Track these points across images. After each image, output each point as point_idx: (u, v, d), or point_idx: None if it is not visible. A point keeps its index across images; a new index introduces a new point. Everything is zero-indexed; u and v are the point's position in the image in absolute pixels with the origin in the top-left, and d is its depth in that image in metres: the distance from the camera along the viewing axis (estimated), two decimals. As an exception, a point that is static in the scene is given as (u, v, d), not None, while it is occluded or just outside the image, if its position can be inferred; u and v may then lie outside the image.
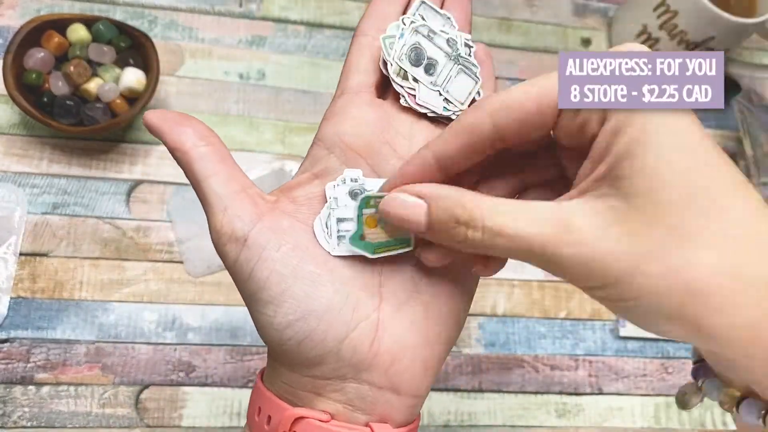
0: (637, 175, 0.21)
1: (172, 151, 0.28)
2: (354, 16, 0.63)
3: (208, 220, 0.27)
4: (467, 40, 0.32)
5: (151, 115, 0.27)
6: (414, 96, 0.30)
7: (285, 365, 0.27)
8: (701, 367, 0.27)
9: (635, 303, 0.21)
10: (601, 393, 0.55)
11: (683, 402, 0.28)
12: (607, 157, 0.22)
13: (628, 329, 0.57)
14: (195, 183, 0.27)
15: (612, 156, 0.22)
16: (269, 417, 0.27)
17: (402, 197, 0.25)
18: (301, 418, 0.26)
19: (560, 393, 0.55)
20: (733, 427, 0.56)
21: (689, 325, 0.21)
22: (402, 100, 0.30)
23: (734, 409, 0.25)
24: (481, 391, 0.54)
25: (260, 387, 0.28)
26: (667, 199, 0.21)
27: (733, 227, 0.21)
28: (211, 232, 0.27)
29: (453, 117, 0.31)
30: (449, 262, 0.27)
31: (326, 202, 0.28)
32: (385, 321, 0.27)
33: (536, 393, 0.55)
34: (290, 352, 0.26)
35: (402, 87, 0.30)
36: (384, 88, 0.31)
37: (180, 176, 0.55)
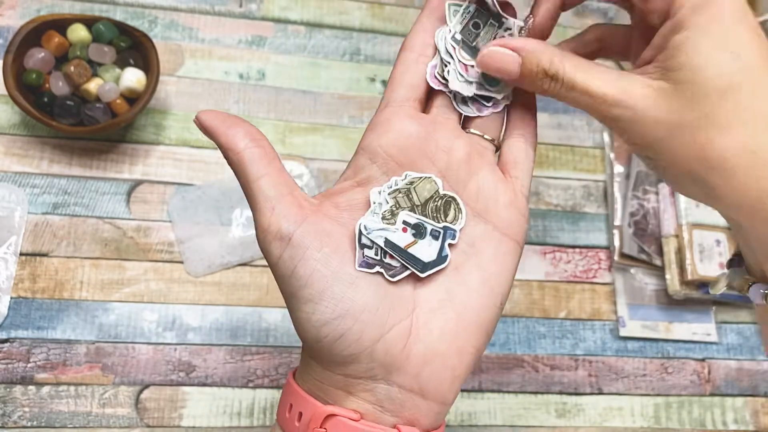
0: (685, 68, 0.26)
1: (225, 151, 0.29)
2: (354, 16, 0.63)
3: (255, 218, 0.28)
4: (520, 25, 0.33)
5: (205, 115, 0.29)
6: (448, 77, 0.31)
7: (319, 362, 0.28)
8: (735, 259, 0.32)
9: (669, 165, 0.28)
10: (601, 393, 0.55)
11: (714, 284, 0.34)
12: (665, 49, 0.27)
13: (628, 329, 0.57)
14: (245, 182, 0.28)
15: (668, 49, 0.27)
16: (300, 413, 0.28)
17: (499, 50, 0.29)
18: (332, 415, 0.27)
19: (560, 393, 0.55)
20: (733, 427, 0.56)
21: (705, 187, 0.27)
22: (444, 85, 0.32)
23: (745, 290, 0.31)
24: (481, 391, 0.54)
25: (292, 384, 0.29)
26: (706, 91, 0.26)
27: (760, 119, 0.25)
28: (257, 230, 0.28)
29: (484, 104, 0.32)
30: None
31: (369, 207, 0.29)
32: (418, 326, 0.28)
33: (536, 393, 0.55)
34: (325, 349, 0.27)
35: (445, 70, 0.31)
36: (427, 102, 0.32)
37: (180, 176, 0.55)
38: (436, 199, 0.30)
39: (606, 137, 0.63)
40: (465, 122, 0.32)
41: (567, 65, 0.28)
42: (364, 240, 0.28)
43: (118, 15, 0.59)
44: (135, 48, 0.54)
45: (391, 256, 0.28)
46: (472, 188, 0.30)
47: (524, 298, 0.57)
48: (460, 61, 0.31)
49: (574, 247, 0.59)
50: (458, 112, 0.32)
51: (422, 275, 0.28)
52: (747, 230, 0.28)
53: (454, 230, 0.29)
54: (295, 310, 0.27)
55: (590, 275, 0.59)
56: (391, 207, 0.29)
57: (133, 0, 0.59)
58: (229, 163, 0.29)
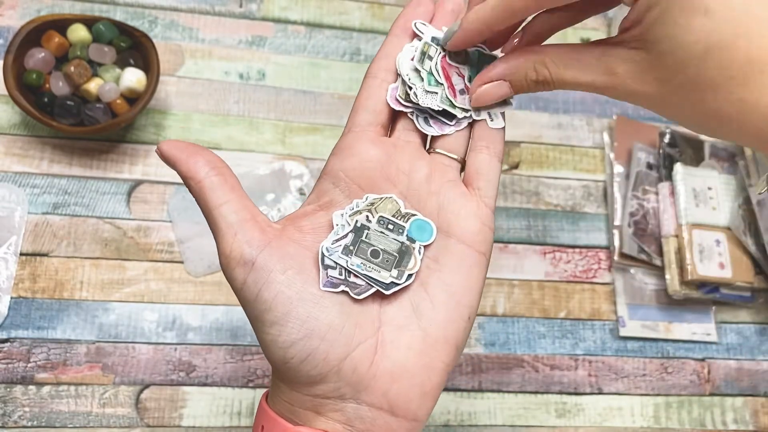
0: (663, 39, 0.27)
1: (186, 180, 0.29)
2: (354, 16, 0.63)
3: (218, 245, 0.29)
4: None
5: (165, 145, 0.29)
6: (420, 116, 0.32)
7: (287, 383, 0.28)
8: None
9: (672, 118, 0.29)
10: (600, 393, 0.55)
11: (759, 185, 0.35)
12: (641, 23, 0.27)
13: (628, 329, 0.57)
14: (206, 210, 0.29)
15: (645, 23, 0.27)
16: None
17: (486, 88, 0.31)
18: None
19: (560, 393, 0.55)
20: (733, 427, 0.56)
21: (715, 130, 0.28)
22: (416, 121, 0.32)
23: None
24: (481, 390, 0.54)
25: (263, 406, 0.29)
26: (686, 57, 0.26)
27: (738, 71, 0.26)
28: (220, 257, 0.28)
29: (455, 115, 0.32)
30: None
31: (332, 230, 0.29)
32: (384, 344, 0.28)
33: (536, 393, 0.55)
34: (293, 370, 0.27)
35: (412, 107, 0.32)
36: (389, 126, 0.33)
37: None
38: (399, 218, 0.30)
39: (606, 137, 0.63)
40: (432, 142, 0.33)
41: (551, 67, 0.29)
42: (327, 261, 0.28)
43: (118, 15, 0.59)
44: (135, 48, 0.54)
45: (356, 275, 0.28)
46: (434, 204, 0.30)
47: (524, 298, 0.57)
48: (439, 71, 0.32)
49: (574, 247, 0.59)
50: (421, 133, 0.32)
51: (387, 293, 0.29)
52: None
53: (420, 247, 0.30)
54: (261, 333, 0.28)
55: (590, 275, 0.59)
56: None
57: (133, 0, 0.59)
58: (191, 192, 0.29)
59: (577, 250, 0.59)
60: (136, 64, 0.53)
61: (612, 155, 0.62)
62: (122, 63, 0.53)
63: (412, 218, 0.30)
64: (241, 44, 0.60)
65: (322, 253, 0.28)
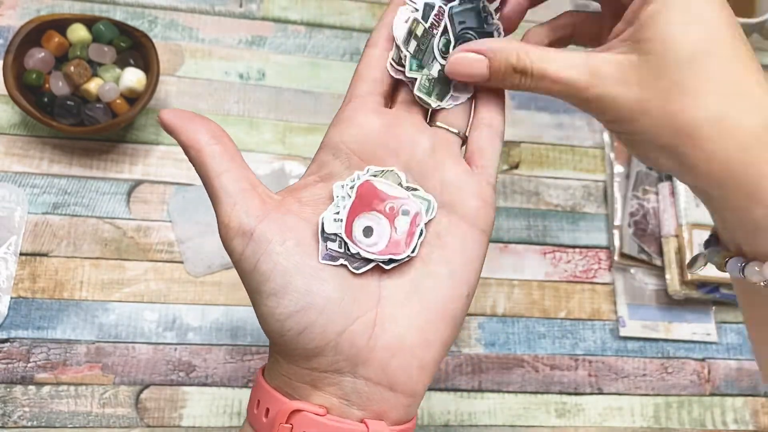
0: (654, 39, 0.26)
1: (186, 149, 0.29)
2: (354, 16, 0.63)
3: (217, 214, 0.28)
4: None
5: (166, 114, 0.29)
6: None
7: (284, 357, 0.28)
8: (711, 239, 0.33)
9: (639, 137, 0.28)
10: (601, 393, 0.55)
11: (691, 264, 0.35)
12: (635, 22, 0.27)
13: (628, 329, 0.57)
14: (206, 179, 0.28)
15: (638, 22, 0.27)
16: (267, 409, 0.28)
17: (465, 55, 0.30)
18: (298, 411, 0.27)
19: (560, 393, 0.55)
20: (733, 427, 0.56)
21: (676, 158, 0.27)
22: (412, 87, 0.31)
23: (723, 267, 0.32)
24: (481, 391, 0.54)
25: (260, 381, 0.29)
26: (675, 60, 0.26)
27: (726, 87, 0.26)
28: (219, 227, 0.28)
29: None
30: None
31: (332, 201, 0.29)
32: (383, 318, 0.28)
33: (536, 393, 0.55)
34: (290, 342, 0.27)
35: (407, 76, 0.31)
36: (390, 96, 0.32)
37: (180, 176, 0.55)
38: None
39: (606, 137, 0.63)
40: (432, 116, 0.32)
41: (534, 57, 0.29)
42: (326, 233, 0.28)
43: (118, 15, 0.59)
44: (135, 48, 0.54)
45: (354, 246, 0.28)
46: (436, 180, 0.30)
47: (524, 298, 0.57)
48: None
49: (574, 247, 0.59)
50: (423, 106, 0.32)
51: (387, 267, 0.28)
52: (718, 201, 0.28)
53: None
54: (258, 305, 0.27)
55: (590, 275, 0.59)
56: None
57: (133, 0, 0.59)
58: (191, 161, 0.29)
59: (577, 250, 0.59)
60: (136, 64, 0.53)
61: (612, 155, 0.62)
62: (122, 63, 0.53)
63: (414, 192, 0.30)
64: (241, 44, 0.60)
65: (323, 225, 0.28)
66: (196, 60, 0.59)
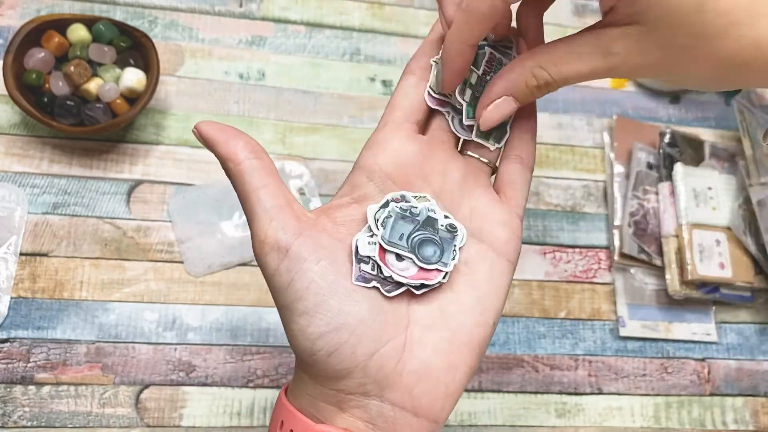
0: (653, 5, 0.26)
1: (224, 162, 0.29)
2: (354, 16, 0.63)
3: (252, 229, 0.28)
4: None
5: (204, 126, 0.29)
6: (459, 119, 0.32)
7: (312, 376, 0.28)
8: None
9: (685, 80, 0.28)
10: (600, 393, 0.55)
11: (764, 137, 0.34)
12: None
13: (628, 329, 0.57)
14: (243, 193, 0.28)
15: None
16: (291, 431, 0.28)
17: (491, 110, 0.30)
18: None
19: (560, 393, 0.55)
20: (733, 427, 0.56)
21: (736, 79, 0.27)
22: (450, 121, 0.32)
23: None
24: (481, 391, 0.54)
25: (283, 401, 0.29)
26: (683, 16, 0.25)
27: (743, 12, 0.25)
28: (254, 241, 0.28)
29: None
30: None
31: (365, 223, 0.29)
32: (412, 343, 0.28)
33: (536, 393, 0.55)
34: (319, 362, 0.27)
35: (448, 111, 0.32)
36: (424, 125, 0.33)
37: (180, 176, 0.55)
38: None
39: (606, 137, 0.63)
40: (464, 145, 0.33)
41: (549, 68, 0.28)
42: (360, 255, 0.28)
43: (118, 15, 0.59)
44: (135, 48, 0.54)
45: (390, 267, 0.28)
46: (466, 209, 0.31)
47: (524, 298, 0.57)
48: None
49: (574, 247, 0.59)
50: (455, 134, 0.32)
51: (418, 292, 0.29)
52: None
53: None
54: (289, 323, 0.27)
55: (590, 275, 0.59)
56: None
57: (133, 0, 0.59)
58: (228, 174, 0.29)
59: (577, 250, 0.59)
60: (136, 64, 0.53)
61: (612, 155, 0.62)
62: (122, 63, 0.53)
63: (446, 219, 0.30)
64: (241, 44, 0.60)
65: (357, 247, 0.28)
66: (196, 60, 0.59)
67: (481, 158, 0.32)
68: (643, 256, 0.58)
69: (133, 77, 0.52)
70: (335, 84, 0.60)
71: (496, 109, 0.30)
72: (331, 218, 0.29)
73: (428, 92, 0.32)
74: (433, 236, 0.29)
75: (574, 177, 0.62)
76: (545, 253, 0.59)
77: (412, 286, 0.28)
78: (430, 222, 0.29)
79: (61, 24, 0.53)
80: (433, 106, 0.32)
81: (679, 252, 0.57)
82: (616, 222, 0.59)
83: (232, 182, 0.29)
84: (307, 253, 0.27)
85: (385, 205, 0.29)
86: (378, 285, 0.28)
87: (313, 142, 0.58)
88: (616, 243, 0.59)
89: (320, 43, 0.61)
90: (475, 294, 0.29)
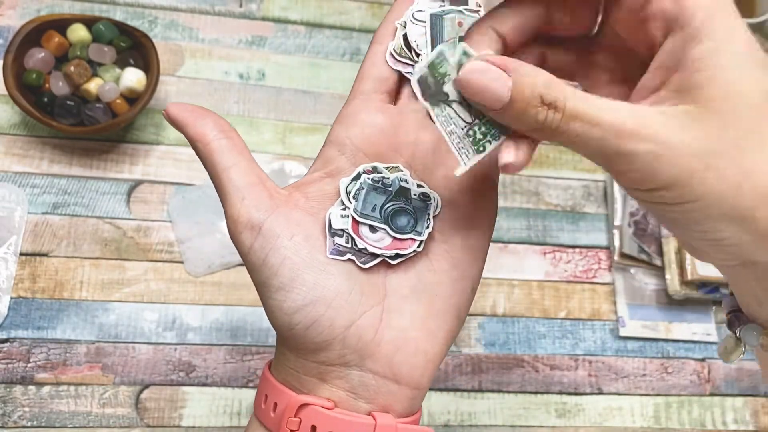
0: (715, 83, 0.22)
1: (193, 143, 0.29)
2: (354, 16, 0.63)
3: (225, 209, 0.28)
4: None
5: (173, 108, 0.29)
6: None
7: (292, 350, 0.28)
8: (735, 317, 0.28)
9: (696, 204, 0.22)
10: (600, 393, 0.55)
11: (726, 355, 0.29)
12: (682, 66, 0.22)
13: (628, 329, 0.57)
14: (214, 174, 0.28)
15: (688, 65, 0.22)
16: (275, 404, 0.28)
17: (486, 66, 0.23)
18: (306, 404, 0.27)
19: (560, 393, 0.55)
20: (733, 427, 0.56)
21: (747, 225, 0.22)
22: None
23: None
24: (481, 390, 0.54)
25: (267, 375, 0.29)
26: (745, 104, 0.22)
27: None
28: (227, 221, 0.28)
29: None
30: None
31: (338, 197, 0.29)
32: (389, 312, 0.28)
33: (536, 393, 0.55)
34: (298, 336, 0.27)
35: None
36: (395, 94, 0.32)
37: (180, 176, 0.55)
38: None
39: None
40: None
41: (568, 92, 0.22)
42: (334, 228, 0.28)
43: (118, 15, 0.59)
44: (135, 48, 0.54)
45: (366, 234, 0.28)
46: (440, 177, 0.30)
47: (524, 298, 0.57)
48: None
49: (574, 247, 0.59)
50: None
51: (393, 262, 0.29)
52: None
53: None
54: (266, 299, 0.28)
55: (590, 275, 0.59)
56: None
57: (133, 0, 0.59)
58: (198, 155, 0.29)
59: (577, 250, 0.59)
60: (136, 64, 0.53)
61: (612, 155, 0.62)
62: (122, 63, 0.53)
63: (420, 188, 0.30)
64: (241, 44, 0.60)
65: (329, 221, 0.28)
66: (196, 60, 0.59)
67: None
68: (643, 256, 0.58)
69: (133, 77, 0.52)
70: (335, 84, 0.60)
71: (486, 76, 0.23)
72: (304, 193, 0.29)
73: (391, 54, 0.31)
74: (406, 206, 0.29)
75: (574, 177, 0.61)
76: (545, 253, 0.59)
77: (387, 257, 0.28)
78: (402, 192, 0.29)
79: (61, 24, 0.53)
80: (395, 68, 0.31)
81: (679, 252, 0.57)
82: (616, 222, 0.59)
83: (203, 163, 0.29)
84: (279, 229, 0.27)
85: (357, 177, 0.29)
86: (353, 257, 0.28)
87: (313, 142, 0.58)
88: (616, 243, 0.59)
89: (320, 43, 0.61)
90: (451, 261, 0.29)
